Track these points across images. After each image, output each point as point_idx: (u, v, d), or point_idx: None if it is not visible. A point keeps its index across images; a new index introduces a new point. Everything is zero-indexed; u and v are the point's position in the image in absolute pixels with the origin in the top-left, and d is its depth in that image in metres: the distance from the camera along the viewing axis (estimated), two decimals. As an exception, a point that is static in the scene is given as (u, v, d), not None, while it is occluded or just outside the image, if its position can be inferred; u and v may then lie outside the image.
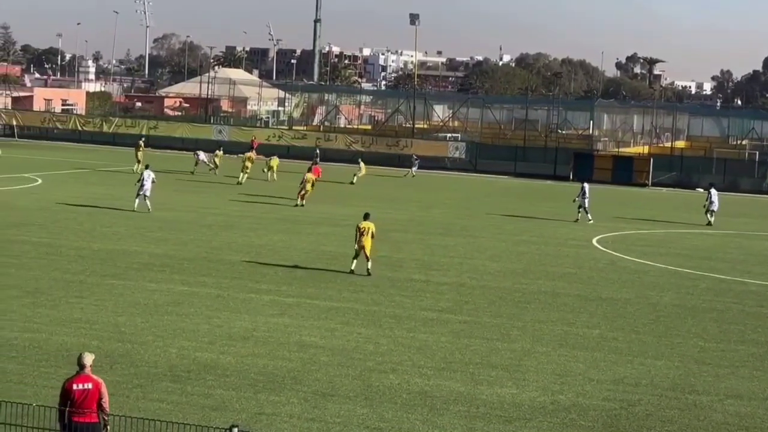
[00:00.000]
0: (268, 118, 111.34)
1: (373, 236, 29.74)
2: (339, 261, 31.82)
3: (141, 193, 41.80)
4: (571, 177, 74.66)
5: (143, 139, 67.54)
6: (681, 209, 55.59)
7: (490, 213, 48.38)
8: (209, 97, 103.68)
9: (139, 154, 60.41)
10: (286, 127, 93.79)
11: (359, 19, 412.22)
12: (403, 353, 20.95)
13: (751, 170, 76.84)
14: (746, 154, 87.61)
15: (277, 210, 45.03)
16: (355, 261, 29.70)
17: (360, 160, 66.83)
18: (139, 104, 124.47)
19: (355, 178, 61.91)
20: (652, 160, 77.57)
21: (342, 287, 27.66)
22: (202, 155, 62.70)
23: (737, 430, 17.24)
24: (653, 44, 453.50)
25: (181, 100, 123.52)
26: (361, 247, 29.51)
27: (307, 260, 31.83)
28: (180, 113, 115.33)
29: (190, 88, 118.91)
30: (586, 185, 47.51)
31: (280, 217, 42.75)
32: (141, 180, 42.38)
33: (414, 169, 70.37)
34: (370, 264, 29.59)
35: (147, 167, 44.75)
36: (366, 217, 30.37)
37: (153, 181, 42.39)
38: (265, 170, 59.19)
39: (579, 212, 46.99)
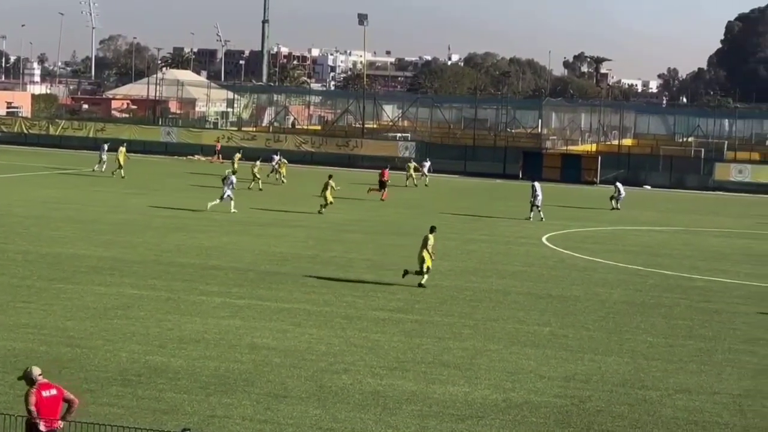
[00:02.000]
0: (217, 119, 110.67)
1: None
2: (290, 262, 31.77)
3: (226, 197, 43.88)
4: (520, 176, 75.12)
5: (125, 144, 65.60)
6: (629, 207, 56.08)
7: (441, 212, 48.51)
8: (157, 98, 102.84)
9: (121, 158, 59.07)
10: (236, 129, 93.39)
11: (308, 20, 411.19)
12: (356, 353, 20.95)
13: (696, 167, 77.75)
14: (692, 152, 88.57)
15: (226, 211, 44.77)
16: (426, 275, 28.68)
17: (411, 162, 67.01)
18: (86, 106, 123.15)
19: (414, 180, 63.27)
20: (600, 158, 78.19)
21: (293, 288, 27.60)
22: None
23: (686, 424, 17.44)
24: (600, 43, 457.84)
25: (128, 101, 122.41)
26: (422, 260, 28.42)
27: (258, 262, 31.73)
28: (128, 115, 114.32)
29: (137, 89, 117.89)
30: (536, 184, 48.03)
31: (231, 218, 42.54)
32: (230, 183, 44.41)
33: (425, 170, 66.88)
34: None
35: (234, 173, 47.24)
36: (432, 230, 29.34)
37: (232, 186, 44.49)
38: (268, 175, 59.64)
39: (532, 211, 47.38)
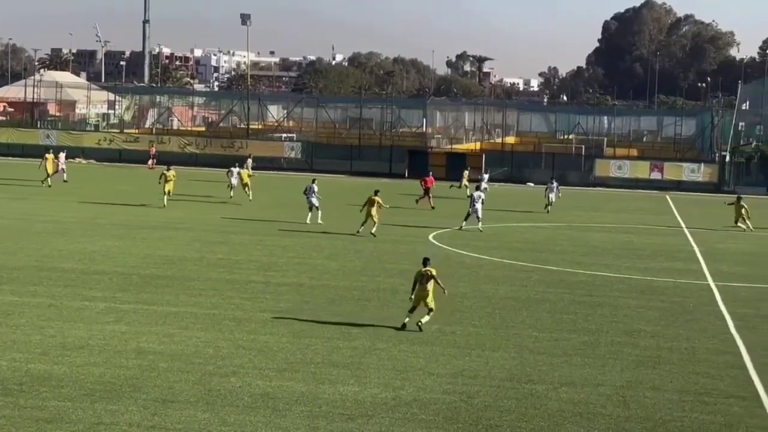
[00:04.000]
0: (98, 121, 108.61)
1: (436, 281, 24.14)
2: (176, 265, 31.36)
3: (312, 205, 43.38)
4: (406, 174, 75.62)
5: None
6: (513, 204, 56.95)
7: (327, 212, 48.43)
8: (35, 100, 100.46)
9: (49, 165, 57.17)
10: (117, 131, 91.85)
11: (189, 20, 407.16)
12: (244, 356, 20.80)
13: (578, 164, 79.41)
14: (573, 149, 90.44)
15: (109, 215, 44.00)
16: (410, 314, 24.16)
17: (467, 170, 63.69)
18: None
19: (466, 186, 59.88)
20: (484, 156, 79.25)
21: (179, 291, 27.25)
22: (235, 174, 54.24)
23: (571, 416, 17.76)
24: (482, 43, 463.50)
25: (5, 104, 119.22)
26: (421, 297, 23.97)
27: (143, 265, 31.23)
28: (4, 118, 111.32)
29: (14, 91, 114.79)
30: (554, 182, 54.14)
31: (114, 221, 41.79)
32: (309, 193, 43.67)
33: (464, 181, 61.30)
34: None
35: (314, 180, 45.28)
36: (425, 263, 24.40)
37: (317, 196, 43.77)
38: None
39: (547, 206, 52.17)
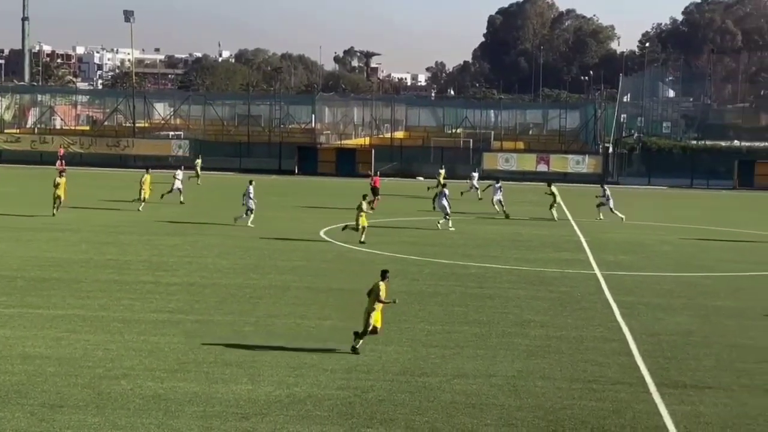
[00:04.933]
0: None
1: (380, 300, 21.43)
2: (63, 267, 30.71)
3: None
4: (296, 171, 75.43)
5: None
6: (403, 198, 57.24)
7: (218, 210, 48.03)
8: None
9: None
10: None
11: (70, 17, 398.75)
12: (135, 357, 20.48)
13: (466, 157, 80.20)
14: (461, 142, 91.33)
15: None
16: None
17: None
18: None
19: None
20: (373, 151, 79.51)
21: (66, 294, 26.69)
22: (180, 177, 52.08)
23: (464, 407, 17.95)
24: (369, 38, 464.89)
25: None
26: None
27: (27, 268, 30.49)
28: None
29: None
30: (607, 188, 51.06)
31: (-4, 224, 40.73)
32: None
33: (475, 181, 59.61)
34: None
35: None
36: (384, 275, 21.70)
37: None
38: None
39: (600, 210, 49.55)
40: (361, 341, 21.30)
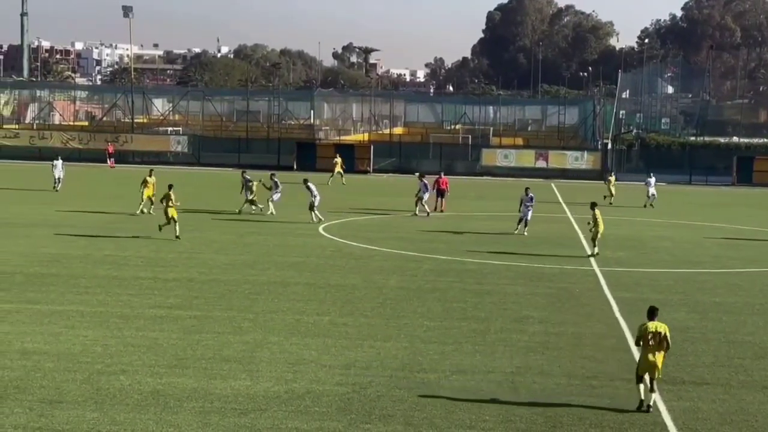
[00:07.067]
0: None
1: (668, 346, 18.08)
2: (61, 263, 30.71)
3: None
4: (294, 167, 75.41)
5: None
6: (402, 194, 57.21)
7: (216, 206, 48.04)
8: None
9: None
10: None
11: (69, 13, 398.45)
12: (133, 353, 20.49)
13: (465, 154, 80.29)
14: (460, 138, 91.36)
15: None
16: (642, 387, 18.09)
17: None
18: None
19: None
20: (372, 147, 79.49)
21: (65, 290, 26.70)
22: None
23: (463, 403, 17.93)
24: (368, 34, 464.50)
25: None
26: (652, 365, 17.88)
27: (26, 264, 30.50)
28: None
29: None
30: (652, 179, 53.32)
31: (-5, 220, 40.73)
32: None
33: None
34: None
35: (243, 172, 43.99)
36: (653, 313, 18.16)
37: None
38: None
39: (649, 201, 52.05)
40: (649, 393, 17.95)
